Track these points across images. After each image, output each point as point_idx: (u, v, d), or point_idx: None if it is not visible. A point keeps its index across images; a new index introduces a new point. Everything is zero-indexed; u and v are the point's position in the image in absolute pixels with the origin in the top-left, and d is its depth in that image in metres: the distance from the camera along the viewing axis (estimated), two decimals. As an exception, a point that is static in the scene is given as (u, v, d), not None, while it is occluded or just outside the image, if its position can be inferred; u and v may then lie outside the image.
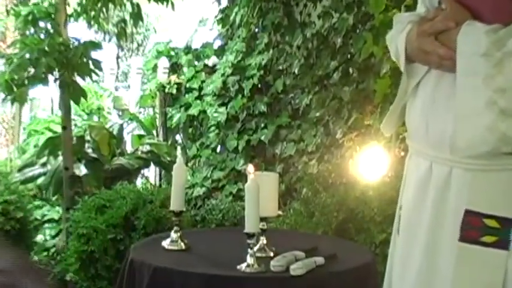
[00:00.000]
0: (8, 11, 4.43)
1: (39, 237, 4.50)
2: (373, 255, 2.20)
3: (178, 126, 5.59)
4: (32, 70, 3.99)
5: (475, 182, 1.26)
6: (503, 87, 1.20)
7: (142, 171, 5.21)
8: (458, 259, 1.26)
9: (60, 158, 4.33)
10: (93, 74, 4.17)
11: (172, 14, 5.13)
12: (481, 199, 1.25)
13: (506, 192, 1.25)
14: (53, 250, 4.32)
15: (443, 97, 1.30)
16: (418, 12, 1.44)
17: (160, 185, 5.40)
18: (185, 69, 5.58)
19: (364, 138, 3.43)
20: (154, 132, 5.94)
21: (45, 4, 4.16)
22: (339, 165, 3.48)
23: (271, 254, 1.97)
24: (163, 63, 5.73)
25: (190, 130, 5.57)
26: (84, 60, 4.08)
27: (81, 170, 4.36)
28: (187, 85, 5.49)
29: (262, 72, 4.63)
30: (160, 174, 5.74)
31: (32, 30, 4.11)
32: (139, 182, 5.11)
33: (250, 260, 1.84)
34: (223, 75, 4.88)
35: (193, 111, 5.37)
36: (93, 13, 4.30)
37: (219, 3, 5.22)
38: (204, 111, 5.19)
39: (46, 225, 4.66)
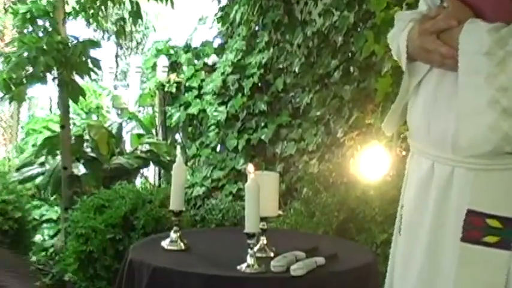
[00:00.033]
0: (6, 9, 4.40)
1: (38, 237, 4.48)
2: (374, 255, 2.20)
3: (177, 125, 5.58)
4: (30, 69, 3.97)
5: (477, 182, 1.26)
6: (506, 86, 1.20)
7: (141, 171, 5.20)
8: (461, 259, 1.26)
9: (59, 157, 4.31)
10: (92, 73, 4.15)
11: (172, 12, 5.12)
12: (483, 199, 1.26)
13: (508, 192, 1.25)
14: (51, 250, 4.30)
15: (445, 96, 1.31)
16: (420, 10, 1.44)
17: (159, 185, 5.39)
18: (185, 67, 5.56)
19: (365, 137, 3.43)
20: (153, 131, 5.93)
21: (44, 2, 4.13)
22: (340, 165, 3.48)
23: (272, 254, 1.97)
24: (163, 61, 5.72)
25: (189, 129, 5.56)
26: (83, 58, 4.06)
27: (80, 169, 4.34)
28: (187, 84, 5.48)
29: (262, 70, 4.63)
30: (159, 174, 5.73)
31: (30, 28, 4.09)
32: (138, 181, 5.09)
33: (250, 260, 1.84)
34: (223, 73, 4.87)
35: (192, 110, 5.36)
36: (92, 11, 4.28)
37: (219, 1, 5.21)
38: (204, 110, 5.17)
39: (44, 225, 4.65)
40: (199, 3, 6.32)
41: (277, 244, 2.03)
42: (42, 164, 4.48)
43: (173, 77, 5.64)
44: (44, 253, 4.33)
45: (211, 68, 5.33)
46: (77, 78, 4.17)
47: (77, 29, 4.54)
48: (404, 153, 2.98)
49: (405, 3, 2.91)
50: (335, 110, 3.84)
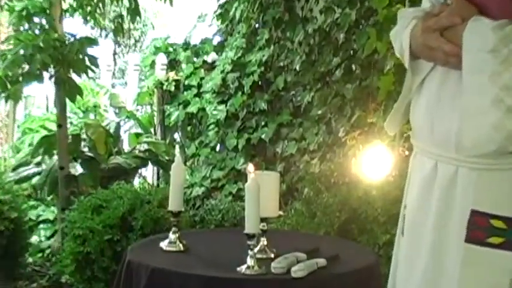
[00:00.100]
0: (1, 6, 4.38)
1: (34, 238, 4.47)
2: (376, 256, 2.21)
3: (176, 124, 5.57)
4: (26, 67, 3.96)
5: (481, 182, 1.26)
6: (510, 85, 1.20)
7: (139, 171, 5.20)
8: (465, 260, 1.26)
9: (56, 157, 4.30)
10: (89, 71, 4.14)
11: (171, 10, 5.09)
12: (486, 199, 1.26)
13: (512, 191, 1.25)
14: (48, 251, 4.30)
15: (448, 95, 1.30)
16: (423, 8, 1.44)
17: (158, 185, 5.38)
18: (184, 65, 5.55)
19: (368, 136, 3.43)
20: (152, 130, 5.92)
21: (40, -1, 4.12)
22: (342, 164, 3.48)
23: (272, 256, 1.96)
24: (161, 59, 5.71)
25: (189, 128, 5.55)
26: (80, 56, 4.06)
27: (77, 169, 4.33)
28: (186, 82, 5.47)
29: (262, 68, 4.62)
30: (158, 174, 5.72)
31: (27, 25, 4.08)
32: (136, 181, 5.07)
33: (250, 261, 1.82)
34: (222, 72, 4.86)
35: (192, 108, 5.35)
36: (89, 8, 4.27)
37: (218, -2, 5.19)
38: (203, 109, 5.17)
39: (41, 225, 4.64)
40: (198, 1, 6.31)
41: (278, 245, 2.02)
42: (38, 164, 4.47)
43: (172, 75, 5.63)
44: (40, 254, 4.33)
45: (211, 66, 5.33)
46: (74, 76, 4.16)
47: (74, 26, 4.53)
48: (407, 152, 2.98)
49: (408, 0, 2.90)
50: (336, 109, 3.83)
